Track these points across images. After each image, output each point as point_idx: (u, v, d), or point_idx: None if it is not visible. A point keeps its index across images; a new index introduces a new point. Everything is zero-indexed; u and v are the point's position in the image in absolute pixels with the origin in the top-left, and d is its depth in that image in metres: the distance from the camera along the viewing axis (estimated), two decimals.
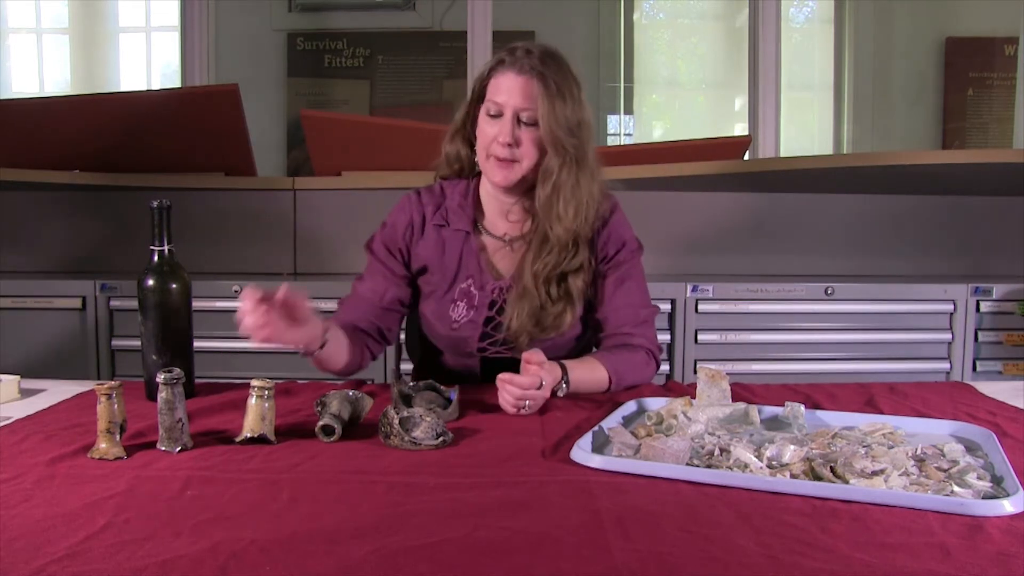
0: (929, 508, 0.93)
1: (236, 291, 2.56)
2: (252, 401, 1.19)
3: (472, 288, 1.58)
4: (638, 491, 0.99)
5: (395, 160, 2.80)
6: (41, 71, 4.84)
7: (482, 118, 1.52)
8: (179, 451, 1.14)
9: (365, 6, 4.85)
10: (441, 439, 1.18)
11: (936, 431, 1.25)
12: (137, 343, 1.44)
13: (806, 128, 4.89)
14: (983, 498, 0.97)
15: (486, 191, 1.60)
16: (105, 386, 1.14)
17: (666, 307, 2.59)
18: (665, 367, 2.61)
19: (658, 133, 5.16)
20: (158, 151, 2.84)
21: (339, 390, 1.31)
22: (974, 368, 2.64)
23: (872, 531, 0.87)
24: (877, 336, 2.64)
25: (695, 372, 1.40)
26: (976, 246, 2.93)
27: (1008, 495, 0.96)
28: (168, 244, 1.41)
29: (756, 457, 1.07)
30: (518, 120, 1.48)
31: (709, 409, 1.28)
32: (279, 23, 4.81)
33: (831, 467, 1.03)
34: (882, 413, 1.35)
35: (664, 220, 2.89)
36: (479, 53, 3.65)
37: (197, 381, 1.49)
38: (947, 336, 2.63)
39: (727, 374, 1.34)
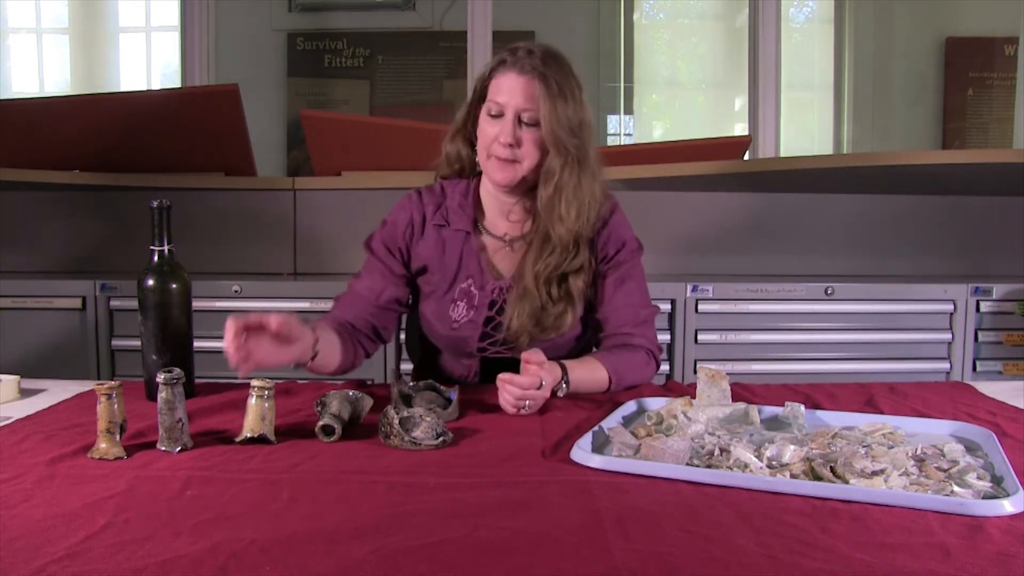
0: (929, 508, 0.93)
1: (236, 291, 2.56)
2: (252, 401, 1.19)
3: (472, 288, 1.58)
4: (638, 491, 0.99)
5: (395, 160, 2.80)
6: (41, 71, 4.84)
7: (483, 118, 1.52)
8: (179, 451, 1.15)
9: (365, 6, 4.85)
10: (441, 439, 1.18)
11: (936, 431, 1.25)
12: (137, 343, 1.44)
13: (806, 128, 4.89)
14: (983, 498, 0.97)
15: (486, 191, 1.60)
16: (105, 386, 1.14)
17: (666, 307, 2.59)
18: (665, 367, 2.61)
19: (658, 133, 5.16)
20: (158, 151, 2.84)
21: (339, 390, 1.31)
22: (974, 368, 2.64)
23: (872, 531, 0.87)
24: (877, 336, 2.64)
25: (695, 372, 1.40)
26: (976, 246, 2.93)
27: (1008, 495, 0.96)
28: (168, 244, 1.41)
29: (756, 457, 1.07)
30: (519, 120, 1.48)
31: (709, 409, 1.28)
32: (279, 23, 4.81)
33: (831, 467, 1.03)
34: (882, 413, 1.35)
35: (664, 220, 2.89)
36: (479, 53, 3.65)
37: (197, 381, 1.49)
38: (947, 336, 2.63)
39: (727, 374, 1.34)
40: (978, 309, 2.62)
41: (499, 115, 1.49)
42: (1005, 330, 2.63)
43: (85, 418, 1.26)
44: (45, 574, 0.77)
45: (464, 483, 1.01)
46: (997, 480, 1.03)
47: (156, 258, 1.41)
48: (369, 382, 1.64)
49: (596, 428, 1.20)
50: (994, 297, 2.61)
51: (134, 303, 1.45)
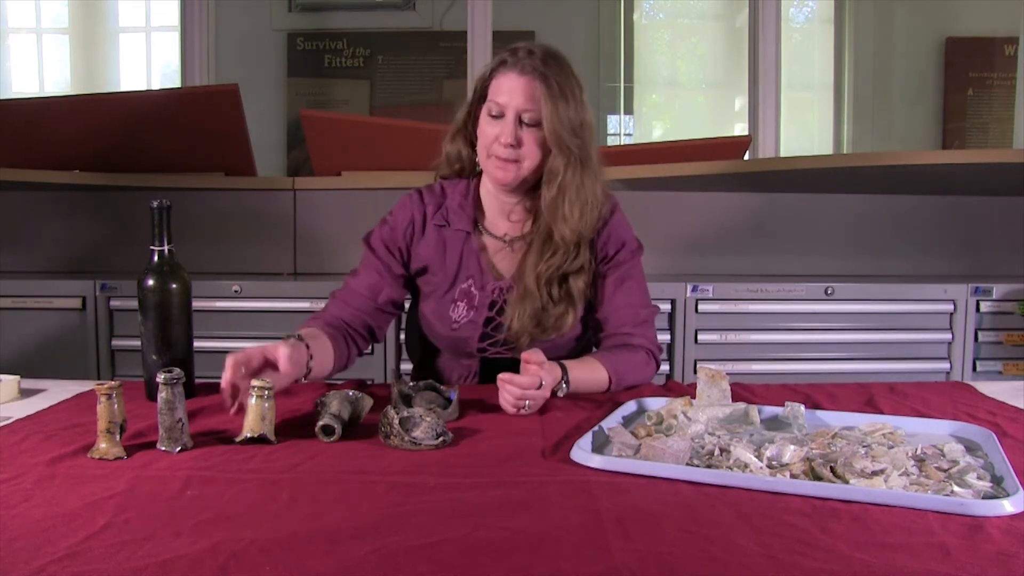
0: (929, 508, 0.93)
1: (236, 291, 2.56)
2: (252, 401, 1.19)
3: (472, 288, 1.58)
4: (638, 491, 0.99)
5: (395, 160, 2.80)
6: (41, 71, 4.84)
7: (483, 118, 1.52)
8: (179, 451, 1.14)
9: (365, 6, 4.85)
10: (441, 439, 1.18)
11: (936, 431, 1.25)
12: (137, 343, 1.44)
13: (806, 128, 4.89)
14: (983, 498, 0.97)
15: (487, 191, 1.60)
16: (105, 386, 1.13)
17: (666, 307, 2.59)
18: (665, 367, 2.61)
19: (658, 133, 5.16)
20: (158, 151, 2.84)
21: (339, 390, 1.31)
22: (974, 368, 2.64)
23: (872, 531, 0.87)
24: (877, 336, 2.64)
25: (695, 372, 1.40)
26: (976, 246, 2.94)
27: (1008, 495, 0.96)
28: (168, 244, 1.41)
29: (756, 457, 1.07)
30: (520, 121, 1.48)
31: (709, 409, 1.28)
32: (279, 23, 4.81)
33: (831, 467, 1.03)
34: (882, 413, 1.35)
35: (664, 220, 2.89)
36: (479, 53, 3.65)
37: (197, 381, 1.49)
38: (947, 336, 2.63)
39: (727, 374, 1.34)
40: (978, 309, 2.62)
41: (500, 115, 1.49)
42: (1005, 330, 2.63)
43: (85, 418, 1.26)
44: (45, 574, 0.77)
45: (464, 483, 1.01)
46: (997, 480, 1.03)
47: (156, 258, 1.41)
48: (369, 382, 1.64)
49: (596, 428, 1.20)
50: (994, 297, 2.61)
51: (134, 303, 1.45)
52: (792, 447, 1.08)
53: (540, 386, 1.34)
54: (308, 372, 1.40)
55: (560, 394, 1.44)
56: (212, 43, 4.18)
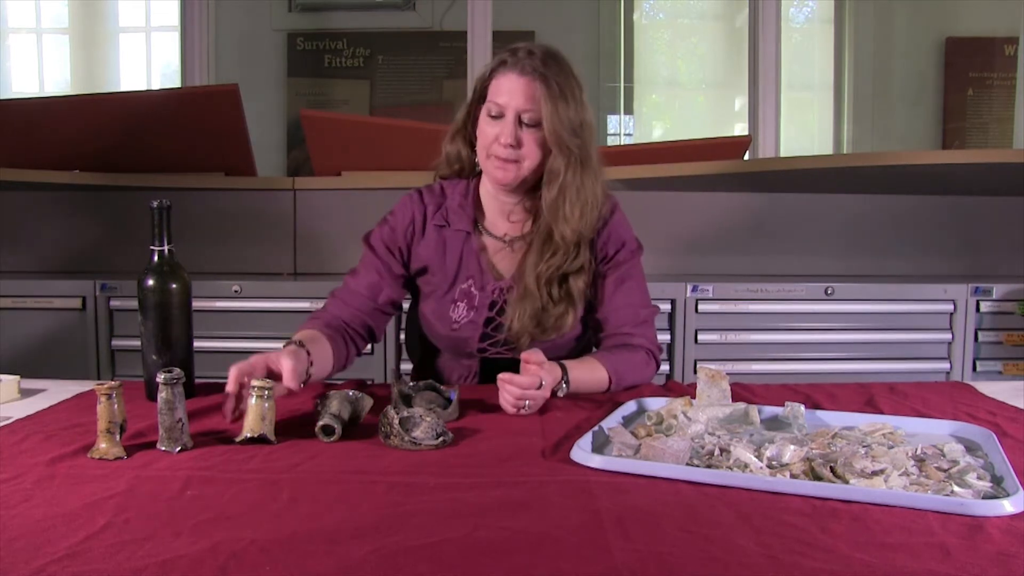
0: (929, 508, 0.93)
1: (236, 291, 2.56)
2: (252, 401, 1.19)
3: (472, 288, 1.58)
4: (638, 491, 0.99)
5: (395, 160, 2.80)
6: (41, 71, 4.84)
7: (483, 118, 1.52)
8: (179, 451, 1.14)
9: (365, 6, 4.85)
10: (441, 439, 1.18)
11: (936, 431, 1.25)
12: (137, 343, 1.44)
13: (806, 128, 4.89)
14: (983, 498, 0.97)
15: (486, 191, 1.60)
16: (105, 386, 1.13)
17: (666, 307, 2.59)
18: (665, 367, 2.61)
19: (658, 133, 5.16)
20: (158, 151, 2.84)
21: (339, 390, 1.31)
22: (974, 368, 2.64)
23: (872, 531, 0.87)
24: (877, 336, 2.64)
25: (695, 372, 1.40)
26: (976, 246, 2.94)
27: (1008, 495, 0.96)
28: (168, 244, 1.41)
29: (756, 457, 1.07)
30: (520, 121, 1.48)
31: (709, 409, 1.28)
32: (279, 23, 4.81)
33: (831, 467, 1.03)
34: (882, 413, 1.35)
35: (664, 220, 2.89)
36: (479, 53, 3.65)
37: (197, 381, 1.49)
38: (947, 336, 2.63)
39: (727, 374, 1.34)
40: (978, 309, 2.62)
41: (499, 116, 1.49)
42: (1005, 330, 2.63)
43: (85, 418, 1.26)
44: (45, 574, 0.77)
45: (464, 483, 1.01)
46: (997, 480, 1.03)
47: (156, 258, 1.41)
48: (369, 382, 1.64)
49: (596, 428, 1.20)
50: (994, 297, 2.62)
51: (134, 303, 1.45)
52: (792, 447, 1.08)
53: (540, 386, 1.34)
54: (308, 379, 1.39)
55: (560, 394, 1.44)
56: (212, 43, 4.18)
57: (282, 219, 2.90)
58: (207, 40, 4.11)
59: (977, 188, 2.88)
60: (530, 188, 1.56)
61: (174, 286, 1.41)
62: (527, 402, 1.34)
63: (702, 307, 2.59)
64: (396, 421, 1.17)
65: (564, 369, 1.45)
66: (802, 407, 1.27)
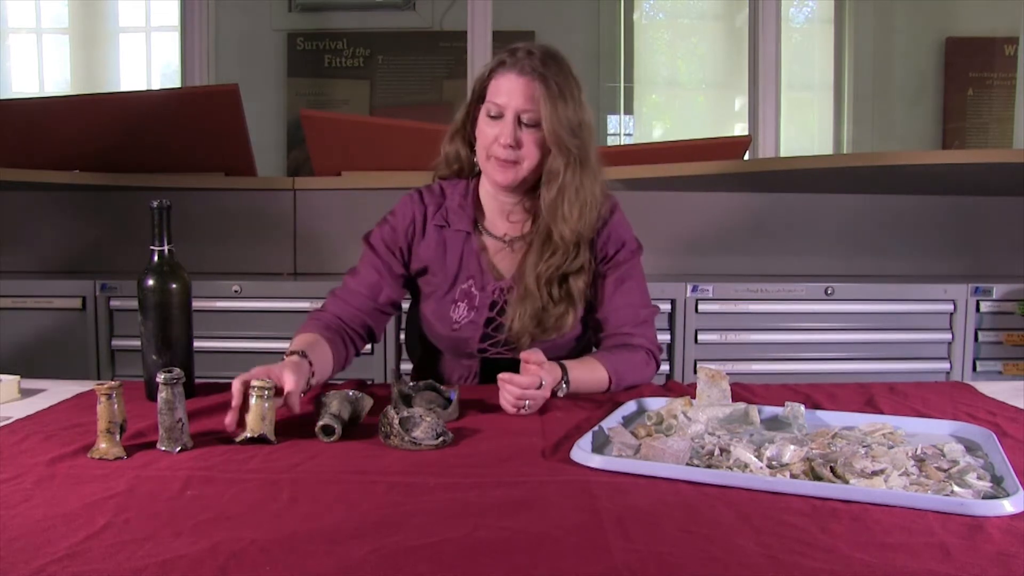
0: (929, 508, 0.93)
1: (236, 291, 2.56)
2: (252, 401, 1.19)
3: (473, 289, 1.58)
4: (638, 491, 0.99)
5: (395, 160, 2.80)
6: (41, 71, 4.84)
7: (482, 119, 1.52)
8: (179, 451, 1.14)
9: (365, 6, 4.85)
10: (441, 439, 1.18)
11: (936, 431, 1.25)
12: (137, 343, 1.44)
13: (806, 128, 4.89)
14: (983, 498, 0.97)
15: (486, 191, 1.60)
16: (105, 386, 1.13)
17: (666, 307, 2.59)
18: (665, 367, 2.61)
19: (658, 133, 5.16)
20: (158, 151, 2.84)
21: (339, 390, 1.31)
22: (974, 368, 2.64)
23: (872, 531, 0.87)
24: (877, 336, 2.64)
25: (695, 372, 1.40)
26: (976, 246, 2.94)
27: (1008, 495, 0.96)
28: (168, 244, 1.41)
29: (756, 457, 1.07)
30: (519, 121, 1.48)
31: (709, 409, 1.28)
32: (279, 23, 4.81)
33: (831, 467, 1.03)
34: (882, 413, 1.35)
35: (664, 220, 2.89)
36: (479, 53, 3.65)
37: (197, 381, 1.49)
38: (947, 336, 2.63)
39: (727, 374, 1.34)
40: (978, 309, 2.62)
41: (499, 116, 1.49)
42: (1005, 330, 2.63)
43: (85, 418, 1.26)
44: (45, 574, 0.77)
45: (464, 483, 1.01)
46: (997, 480, 1.03)
47: (156, 258, 1.41)
48: (369, 382, 1.64)
49: (596, 428, 1.20)
50: (994, 297, 2.61)
51: (134, 303, 1.45)
52: (792, 447, 1.08)
53: (540, 386, 1.34)
54: (308, 389, 1.39)
55: (560, 394, 1.44)
56: (212, 43, 4.18)
57: (282, 219, 2.90)
58: (207, 40, 4.11)
59: (977, 188, 2.88)
60: (530, 188, 1.56)
61: (174, 286, 1.41)
62: (527, 402, 1.34)
63: (702, 307, 2.59)
64: (396, 421, 1.17)
65: (564, 369, 1.45)
66: (802, 407, 1.27)
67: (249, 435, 1.18)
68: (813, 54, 4.82)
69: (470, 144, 1.59)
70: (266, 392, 1.19)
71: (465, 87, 3.84)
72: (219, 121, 2.82)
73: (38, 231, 2.89)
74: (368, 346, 1.66)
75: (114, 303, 2.57)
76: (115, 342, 2.58)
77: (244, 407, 1.20)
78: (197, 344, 1.48)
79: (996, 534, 0.87)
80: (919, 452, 1.10)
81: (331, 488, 1.00)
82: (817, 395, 1.47)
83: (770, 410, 1.31)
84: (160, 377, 1.15)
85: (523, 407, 1.34)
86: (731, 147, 3.21)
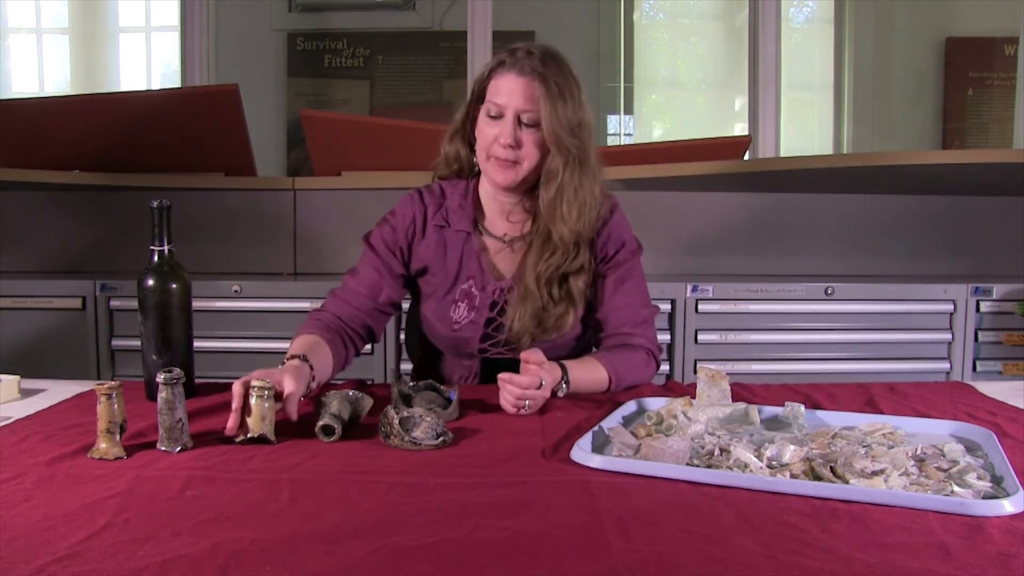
0: (929, 508, 0.93)
1: (236, 291, 2.56)
2: (252, 401, 1.19)
3: (473, 289, 1.58)
4: (638, 491, 0.99)
5: (395, 160, 2.80)
6: (41, 71, 4.84)
7: (482, 119, 1.52)
8: (179, 451, 1.15)
9: (365, 6, 4.85)
10: (441, 439, 1.18)
11: (936, 431, 1.25)
12: (137, 343, 1.44)
13: (806, 128, 4.89)
14: (983, 498, 0.97)
15: (486, 192, 1.60)
16: (105, 386, 1.13)
17: (666, 307, 2.59)
18: (665, 367, 2.61)
19: (658, 133, 5.16)
20: (158, 151, 2.84)
21: (339, 390, 1.31)
22: (974, 368, 2.64)
23: (872, 531, 0.87)
24: (877, 336, 2.64)
25: (695, 372, 1.40)
26: (976, 246, 2.93)
27: (1008, 495, 0.96)
28: (168, 244, 1.41)
29: (756, 457, 1.07)
30: (519, 121, 1.48)
31: (709, 409, 1.28)
32: (279, 23, 4.81)
33: (831, 467, 1.03)
34: (882, 413, 1.35)
35: (664, 220, 2.89)
36: (479, 53, 3.65)
37: (197, 381, 1.49)
38: (947, 336, 2.63)
39: (727, 374, 1.34)
40: (978, 309, 2.62)
41: (499, 116, 1.49)
42: (1005, 330, 2.63)
43: (85, 418, 1.26)
44: (45, 574, 0.77)
45: (464, 483, 1.01)
46: (997, 480, 1.03)
47: (156, 258, 1.41)
48: (369, 382, 1.64)
49: (596, 428, 1.20)
50: (994, 297, 2.61)
51: (134, 303, 1.45)
52: (792, 447, 1.08)
53: (540, 386, 1.34)
54: (308, 393, 1.38)
55: (560, 394, 1.44)
56: (212, 43, 4.17)
57: (282, 219, 2.90)
58: (207, 40, 4.11)
59: (977, 188, 2.88)
60: (530, 188, 1.56)
61: (174, 286, 1.41)
62: (527, 402, 1.34)
63: (702, 307, 2.59)
64: (396, 421, 1.17)
65: (564, 369, 1.45)
66: (802, 407, 1.27)
67: (249, 435, 1.17)
68: (813, 54, 4.82)
69: (470, 144, 1.59)
70: (266, 392, 1.19)
71: (465, 87, 3.83)
72: (219, 121, 2.82)
73: (38, 231, 2.89)
74: (368, 346, 1.65)
75: (114, 303, 2.57)
76: (115, 342, 2.58)
77: (245, 410, 1.20)
78: (197, 344, 1.48)
79: (996, 534, 0.87)
80: (919, 452, 1.10)
81: (331, 488, 1.00)
82: (817, 395, 1.47)
83: (770, 410, 1.31)
84: (160, 377, 1.15)
85: (523, 407, 1.34)
86: (731, 147, 3.21)
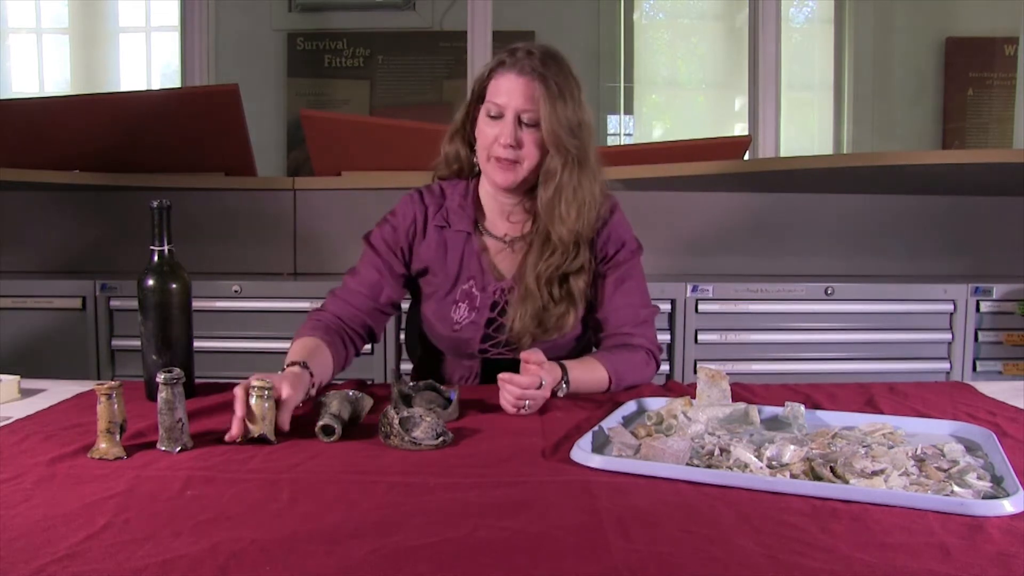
0: (929, 508, 0.93)
1: (236, 291, 2.56)
2: (252, 401, 1.19)
3: (474, 289, 1.58)
4: (638, 491, 0.99)
5: (395, 160, 2.80)
6: (41, 71, 4.84)
7: (482, 119, 1.52)
8: (179, 451, 1.15)
9: (365, 6, 4.85)
10: (441, 439, 1.18)
11: (936, 431, 1.25)
12: (137, 343, 1.44)
13: (806, 128, 4.89)
14: (983, 498, 0.97)
15: (486, 192, 1.60)
16: (105, 386, 1.13)
17: (666, 307, 2.59)
18: (665, 367, 2.61)
19: (658, 133, 5.16)
20: (158, 151, 2.84)
21: (339, 390, 1.31)
22: (974, 368, 2.64)
23: (872, 531, 0.87)
24: (877, 336, 2.64)
25: (695, 372, 1.40)
26: (976, 246, 2.93)
27: (1008, 495, 0.96)
28: (168, 244, 1.41)
29: (756, 457, 1.07)
30: (519, 121, 1.48)
31: (709, 409, 1.28)
32: (279, 23, 4.81)
33: (831, 467, 1.03)
34: (882, 413, 1.35)
35: (664, 220, 2.89)
36: (479, 53, 3.65)
37: (197, 381, 1.49)
38: (947, 336, 2.63)
39: (727, 374, 1.34)
40: (978, 309, 2.62)
41: (499, 116, 1.49)
42: (1005, 330, 2.63)
43: (85, 418, 1.26)
44: (45, 574, 0.77)
45: (464, 483, 1.01)
46: (997, 480, 1.03)
47: (156, 258, 1.41)
48: (369, 382, 1.64)
49: (596, 428, 1.20)
50: (994, 297, 2.62)
51: (134, 303, 1.45)
52: (792, 447, 1.08)
53: (540, 386, 1.34)
54: (307, 399, 1.36)
55: (560, 394, 1.44)
56: (212, 43, 4.18)
57: (282, 219, 2.90)
58: (207, 40, 4.11)
59: (977, 188, 2.88)
60: (530, 188, 1.56)
61: (174, 286, 1.41)
62: (527, 402, 1.34)
63: (702, 307, 2.59)
64: (396, 421, 1.17)
65: (564, 369, 1.45)
66: (802, 407, 1.27)
67: (249, 435, 1.17)
68: (813, 54, 4.82)
69: (470, 144, 1.59)
70: (266, 392, 1.19)
71: (465, 87, 3.83)
72: (219, 121, 2.82)
73: (38, 231, 2.89)
74: (368, 346, 1.65)
75: (114, 303, 2.57)
76: (115, 342, 2.58)
77: (248, 416, 1.19)
78: (197, 344, 1.48)
79: (996, 534, 0.87)
80: (919, 452, 1.10)
81: (331, 488, 1.00)
82: (817, 395, 1.47)
83: (770, 410, 1.31)
84: (160, 377, 1.15)
85: (523, 407, 1.34)
86: (731, 147, 3.21)
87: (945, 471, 1.04)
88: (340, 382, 1.57)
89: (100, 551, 0.81)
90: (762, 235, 2.93)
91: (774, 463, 1.07)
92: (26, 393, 1.48)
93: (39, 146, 2.82)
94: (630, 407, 1.36)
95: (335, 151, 2.90)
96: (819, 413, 1.32)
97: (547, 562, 0.80)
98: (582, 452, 1.10)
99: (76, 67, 4.85)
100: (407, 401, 1.36)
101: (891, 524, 0.89)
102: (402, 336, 1.93)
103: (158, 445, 1.16)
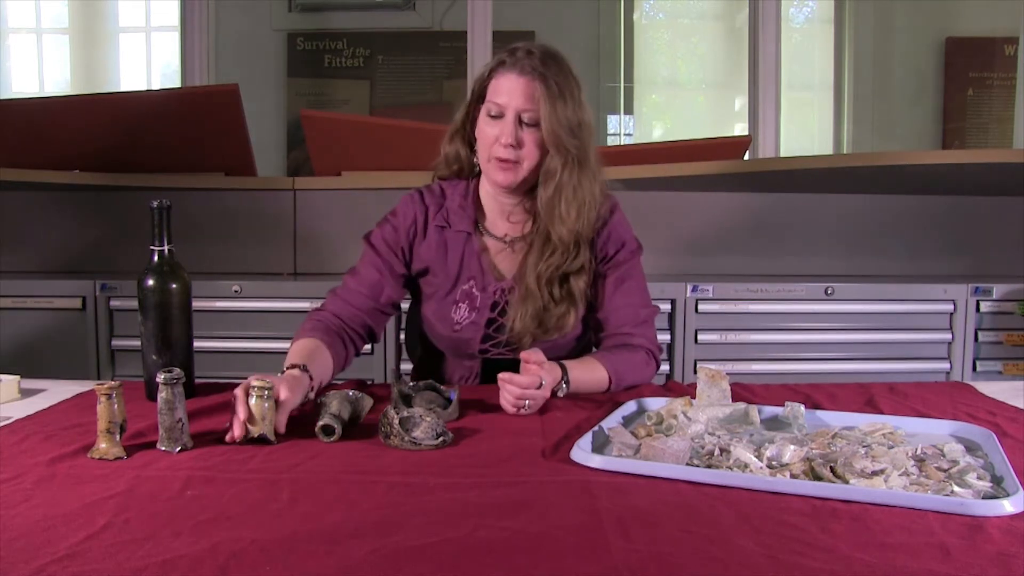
0: (929, 508, 0.93)
1: (236, 291, 2.56)
2: (252, 401, 1.19)
3: (474, 290, 1.58)
4: (638, 491, 0.99)
5: (395, 160, 2.80)
6: (41, 71, 4.84)
7: (482, 119, 1.52)
8: (179, 451, 1.15)
9: (365, 6, 4.85)
10: (441, 439, 1.18)
11: (936, 431, 1.25)
12: (137, 343, 1.44)
13: (806, 128, 4.89)
14: (983, 498, 0.97)
15: (486, 192, 1.60)
16: (105, 386, 1.13)
17: (666, 307, 2.59)
18: (665, 367, 2.61)
19: (658, 133, 5.16)
20: (158, 151, 2.84)
21: (339, 390, 1.31)
22: (974, 368, 2.64)
23: (872, 531, 0.87)
24: (877, 336, 2.64)
25: (695, 372, 1.40)
26: (976, 246, 2.93)
27: (1008, 495, 0.96)
28: (168, 244, 1.41)
29: (756, 457, 1.07)
30: (519, 121, 1.48)
31: (709, 409, 1.28)
32: (279, 23, 4.81)
33: (831, 467, 1.03)
34: (882, 413, 1.35)
35: (664, 220, 2.89)
36: (479, 53, 3.65)
37: (197, 381, 1.49)
38: (947, 336, 2.63)
39: (727, 374, 1.34)
40: (978, 309, 2.62)
41: (499, 116, 1.49)
42: (1005, 330, 2.63)
43: (85, 418, 1.26)
44: (45, 574, 0.77)
45: (464, 483, 1.01)
46: (997, 480, 1.03)
47: (156, 258, 1.41)
48: (369, 382, 1.64)
49: (596, 428, 1.20)
50: (994, 297, 2.62)
51: (134, 303, 1.45)
52: (792, 447, 1.08)
53: (540, 386, 1.34)
54: (306, 402, 1.36)
55: (560, 394, 1.44)
56: (212, 43, 4.18)
57: (282, 219, 2.90)
58: (207, 40, 4.11)
59: (977, 188, 2.88)
60: (530, 188, 1.56)
61: (174, 286, 1.41)
62: (527, 402, 1.34)
63: (702, 307, 2.59)
64: (396, 421, 1.17)
65: (564, 369, 1.45)
66: (802, 407, 1.27)
67: (249, 435, 1.17)
68: (813, 54, 4.82)
69: (470, 144, 1.59)
70: (266, 392, 1.19)
71: (465, 87, 3.83)
72: (219, 121, 2.82)
73: (38, 231, 2.89)
74: (368, 346, 1.65)
75: (114, 303, 2.57)
76: (115, 342, 2.58)
77: (248, 417, 1.19)
78: (197, 344, 1.48)
79: (996, 534, 0.87)
80: (919, 452, 1.10)
81: (331, 488, 1.00)
82: (817, 395, 1.47)
83: (770, 410, 1.31)
84: (160, 377, 1.15)
85: (523, 407, 1.34)
86: (731, 147, 3.21)
87: (945, 471, 1.04)
88: (340, 382, 1.57)
89: (100, 551, 0.81)
90: (762, 235, 2.93)
91: (774, 463, 1.07)
92: (26, 393, 1.48)
93: (39, 146, 2.82)
94: (630, 407, 1.36)
95: (335, 151, 2.90)
96: (819, 413, 1.32)
97: (547, 562, 0.80)
98: (582, 452, 1.10)
99: (76, 67, 4.85)
100: (407, 401, 1.36)
101: (891, 524, 0.89)
102: (402, 336, 1.93)
103: (158, 445, 1.16)
